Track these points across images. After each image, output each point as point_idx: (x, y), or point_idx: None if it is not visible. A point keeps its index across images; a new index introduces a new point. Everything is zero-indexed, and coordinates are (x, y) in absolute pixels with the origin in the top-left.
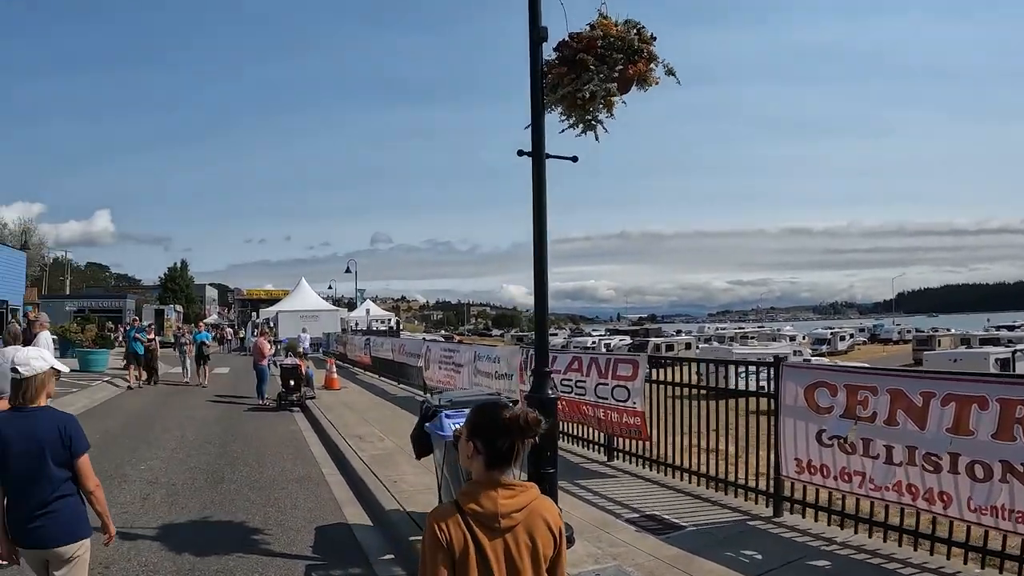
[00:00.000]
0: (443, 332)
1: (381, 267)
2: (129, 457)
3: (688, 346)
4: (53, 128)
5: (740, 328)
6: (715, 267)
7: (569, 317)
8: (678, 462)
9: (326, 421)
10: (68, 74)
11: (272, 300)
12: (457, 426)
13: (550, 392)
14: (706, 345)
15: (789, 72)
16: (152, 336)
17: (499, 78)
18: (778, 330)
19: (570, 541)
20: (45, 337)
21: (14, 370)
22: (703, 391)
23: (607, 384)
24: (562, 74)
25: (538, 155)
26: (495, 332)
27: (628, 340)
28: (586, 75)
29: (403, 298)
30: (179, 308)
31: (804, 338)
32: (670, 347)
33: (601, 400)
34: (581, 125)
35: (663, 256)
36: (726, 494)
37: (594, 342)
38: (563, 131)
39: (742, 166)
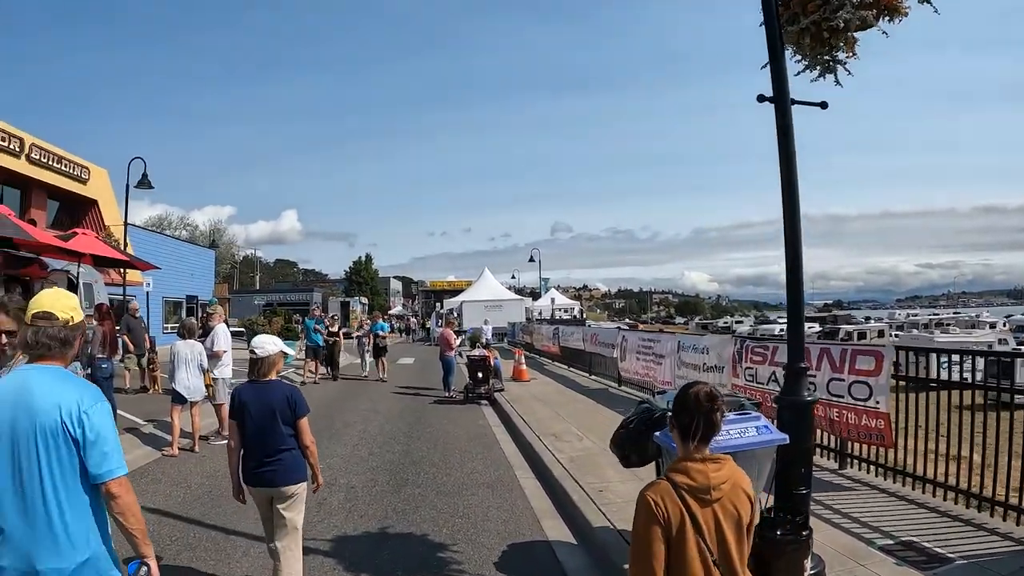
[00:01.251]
0: (627, 320)
1: (562, 256)
2: None
3: (880, 333)
4: (240, 135)
5: (934, 315)
6: (902, 249)
7: (752, 304)
8: (920, 471)
9: (517, 416)
10: (248, 83)
11: (455, 291)
12: None
13: (806, 394)
14: (901, 333)
15: (980, 37)
16: (334, 328)
17: (670, 65)
18: (976, 317)
19: None
20: (222, 329)
21: (252, 351)
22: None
23: (843, 380)
24: (805, 1)
25: (781, 99)
26: (678, 320)
27: (816, 328)
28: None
29: (584, 287)
30: (364, 300)
31: (1004, 325)
32: (862, 335)
33: (835, 398)
34: (818, 68)
35: (847, 239)
36: (991, 515)
37: (781, 330)
38: (798, 74)
39: (927, 141)
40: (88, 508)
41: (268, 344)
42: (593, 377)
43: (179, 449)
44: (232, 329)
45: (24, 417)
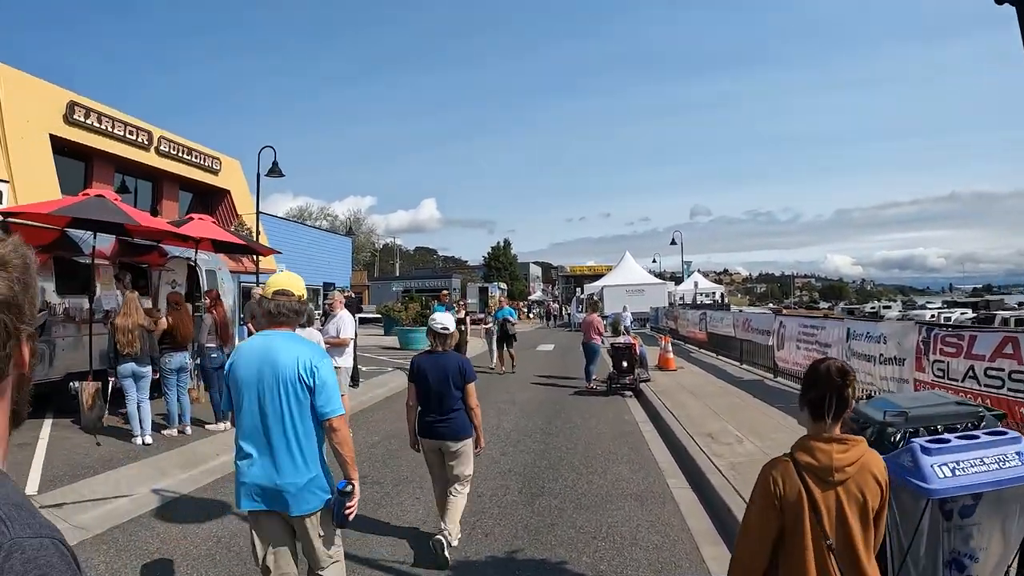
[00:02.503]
0: (770, 305)
1: (701, 241)
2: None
3: None
4: (379, 127)
5: None
6: None
7: (898, 289)
8: None
9: (666, 411)
10: (386, 76)
11: (595, 275)
12: (951, 472)
13: None
14: None
15: None
16: (461, 314)
17: (810, 40)
18: None
19: None
20: (346, 315)
21: (444, 328)
22: None
23: None
24: None
25: None
26: (822, 305)
27: (970, 313)
28: None
29: (725, 271)
30: (503, 285)
31: None
32: (1021, 322)
33: None
34: None
35: (997, 219)
36: None
37: (932, 315)
38: None
39: None
40: (315, 439)
41: (449, 323)
42: (744, 367)
43: None
44: (368, 315)
45: (269, 369)
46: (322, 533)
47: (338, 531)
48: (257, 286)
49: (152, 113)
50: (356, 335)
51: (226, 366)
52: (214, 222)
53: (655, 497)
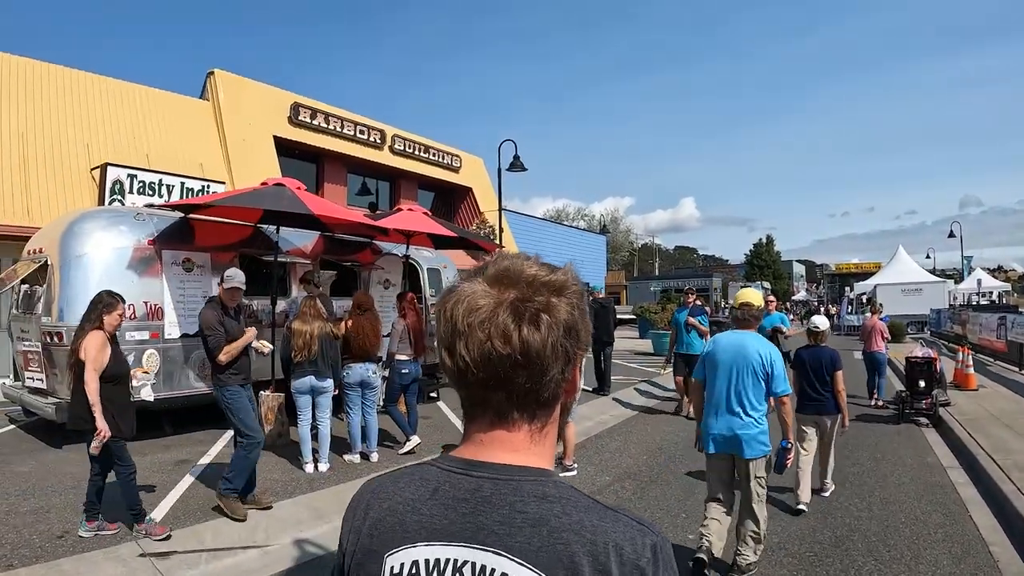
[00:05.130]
0: None
1: (974, 234)
2: (685, 496)
3: None
4: (637, 126)
5: None
6: None
7: None
8: None
9: (979, 450)
10: (634, 72)
11: (863, 274)
12: None
13: None
14: None
15: None
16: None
17: None
18: None
19: None
20: None
21: (815, 327)
22: None
23: None
24: None
25: None
26: None
27: None
28: None
29: (999, 267)
30: (766, 284)
31: None
32: None
33: None
34: None
35: None
36: None
37: None
38: None
39: None
40: (762, 407)
41: (823, 324)
42: None
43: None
44: (624, 316)
45: (740, 358)
46: (759, 475)
47: (765, 479)
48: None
49: (405, 116)
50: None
51: (703, 351)
52: (426, 213)
53: None
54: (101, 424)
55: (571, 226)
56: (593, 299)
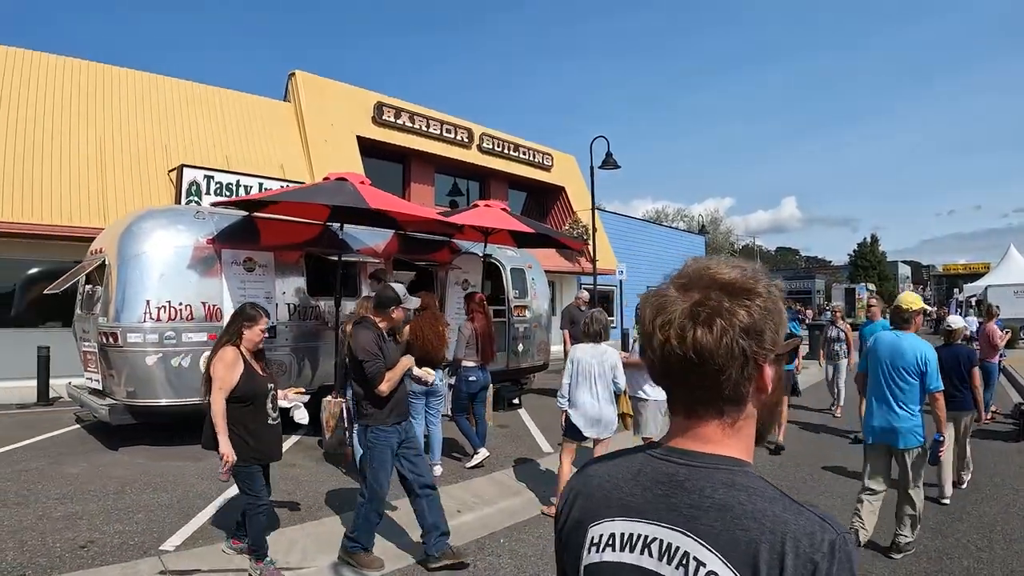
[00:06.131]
0: None
1: None
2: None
3: None
4: (737, 126)
5: None
6: None
7: None
8: None
9: None
10: (736, 70)
11: (972, 275)
12: None
13: None
14: None
15: None
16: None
17: None
18: None
19: None
20: None
21: (948, 326)
22: None
23: None
24: None
25: None
26: None
27: None
28: None
29: None
30: (871, 286)
31: None
32: None
33: None
34: None
35: None
36: None
37: None
38: None
39: None
40: (917, 403)
41: (958, 323)
42: None
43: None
44: None
45: (897, 355)
46: (915, 463)
47: (920, 467)
48: (580, 289)
49: (513, 120)
50: None
51: (868, 345)
52: (504, 209)
53: None
54: (225, 448)
55: (670, 227)
56: (575, 304)
